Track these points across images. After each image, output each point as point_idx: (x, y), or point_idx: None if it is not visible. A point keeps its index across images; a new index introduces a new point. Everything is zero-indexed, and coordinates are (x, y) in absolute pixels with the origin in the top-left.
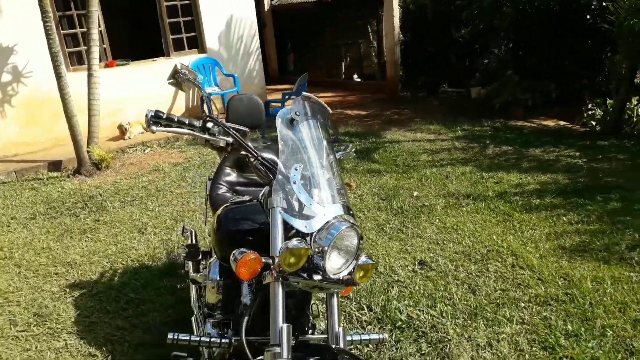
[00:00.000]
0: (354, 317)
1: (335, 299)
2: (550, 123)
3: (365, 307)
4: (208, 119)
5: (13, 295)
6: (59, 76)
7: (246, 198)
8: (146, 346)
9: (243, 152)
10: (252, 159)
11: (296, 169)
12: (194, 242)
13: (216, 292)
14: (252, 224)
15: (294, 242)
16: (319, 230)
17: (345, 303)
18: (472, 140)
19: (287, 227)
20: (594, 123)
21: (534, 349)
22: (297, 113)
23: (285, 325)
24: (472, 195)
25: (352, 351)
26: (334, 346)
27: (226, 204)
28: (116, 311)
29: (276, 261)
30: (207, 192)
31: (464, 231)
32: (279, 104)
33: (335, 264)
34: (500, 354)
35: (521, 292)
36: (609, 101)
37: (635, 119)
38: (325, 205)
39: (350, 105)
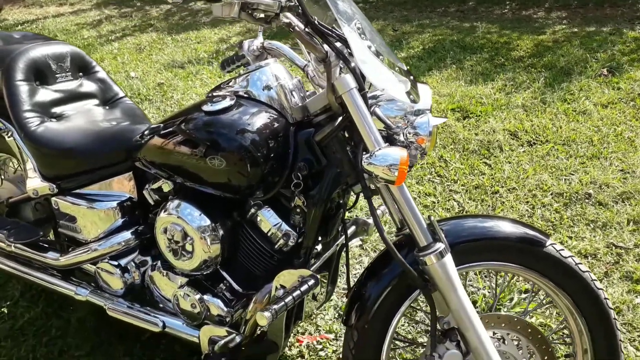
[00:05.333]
0: None
1: None
2: None
3: None
4: None
5: None
6: None
7: (218, 105)
8: None
9: (286, 20)
10: (301, 28)
11: (360, 32)
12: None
13: (212, 240)
14: (256, 128)
15: (426, 123)
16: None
17: None
18: (120, 5)
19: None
20: None
21: None
22: None
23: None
24: (191, 61)
25: None
26: None
27: (183, 114)
28: None
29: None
30: None
31: None
32: None
33: None
34: None
35: None
36: None
37: None
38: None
39: None
